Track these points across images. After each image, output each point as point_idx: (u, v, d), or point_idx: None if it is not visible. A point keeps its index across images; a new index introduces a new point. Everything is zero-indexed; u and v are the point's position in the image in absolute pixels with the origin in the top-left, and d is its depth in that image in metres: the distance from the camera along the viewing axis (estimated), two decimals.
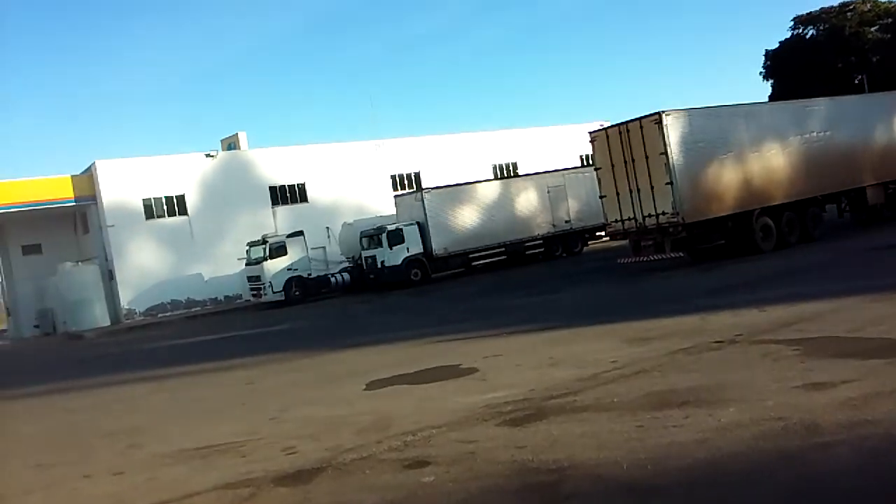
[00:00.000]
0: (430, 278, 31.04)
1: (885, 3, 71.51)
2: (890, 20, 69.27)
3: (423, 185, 38.12)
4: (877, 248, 17.43)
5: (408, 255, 30.77)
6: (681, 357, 8.85)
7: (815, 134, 22.34)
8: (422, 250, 31.04)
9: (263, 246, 32.15)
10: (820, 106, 23.72)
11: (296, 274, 32.16)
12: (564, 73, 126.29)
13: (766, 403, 6.39)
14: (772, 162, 21.22)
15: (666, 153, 19.50)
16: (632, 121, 20.48)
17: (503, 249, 32.24)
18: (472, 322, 16.12)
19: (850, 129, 23.24)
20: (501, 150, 45.12)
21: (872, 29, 70.21)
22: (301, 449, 7.41)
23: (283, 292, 31.68)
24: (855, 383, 6.52)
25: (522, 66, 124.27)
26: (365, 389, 10.11)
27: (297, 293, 31.91)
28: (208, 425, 9.42)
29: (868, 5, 71.60)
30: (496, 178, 41.05)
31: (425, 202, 31.32)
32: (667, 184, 19.55)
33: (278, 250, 32.12)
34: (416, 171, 42.84)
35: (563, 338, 11.86)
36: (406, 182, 42.44)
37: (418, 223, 31.26)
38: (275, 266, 31.80)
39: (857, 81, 63.00)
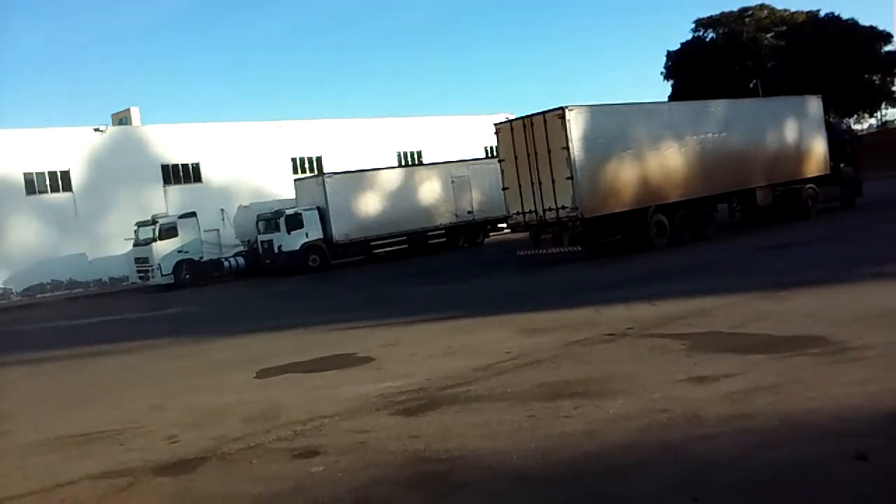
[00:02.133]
0: (330, 265, 30.60)
1: (781, 11, 75.15)
2: (785, 28, 72.89)
3: (325, 170, 37.56)
4: (763, 248, 18.24)
5: (306, 240, 30.22)
6: (574, 349, 8.96)
7: (710, 135, 23.09)
8: (321, 236, 30.53)
9: (153, 226, 30.90)
10: (717, 108, 24.55)
11: (186, 257, 31.06)
12: (471, 63, 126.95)
13: (653, 396, 6.52)
14: (669, 161, 21.84)
15: (568, 148, 19.75)
16: (536, 114, 20.68)
17: (405, 238, 32.12)
18: (371, 310, 15.93)
19: (743, 131, 24.13)
20: (406, 137, 44.96)
21: (769, 35, 73.72)
22: (184, 438, 7.09)
23: (172, 275, 30.54)
24: (737, 377, 6.74)
25: (430, 54, 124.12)
26: (255, 377, 9.80)
27: (187, 277, 30.84)
28: (85, 412, 8.94)
29: (765, 12, 75.10)
30: (400, 165, 40.88)
31: (327, 187, 30.80)
32: (567, 178, 19.84)
33: (168, 231, 30.92)
34: (319, 155, 42.14)
35: (462, 327, 11.85)
36: (307, 166, 41.71)
37: (319, 208, 30.72)
38: (164, 248, 30.61)
39: (752, 85, 65.93)
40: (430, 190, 33.32)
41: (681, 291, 12.57)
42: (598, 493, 4.74)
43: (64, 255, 34.55)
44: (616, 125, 21.12)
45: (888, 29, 70.63)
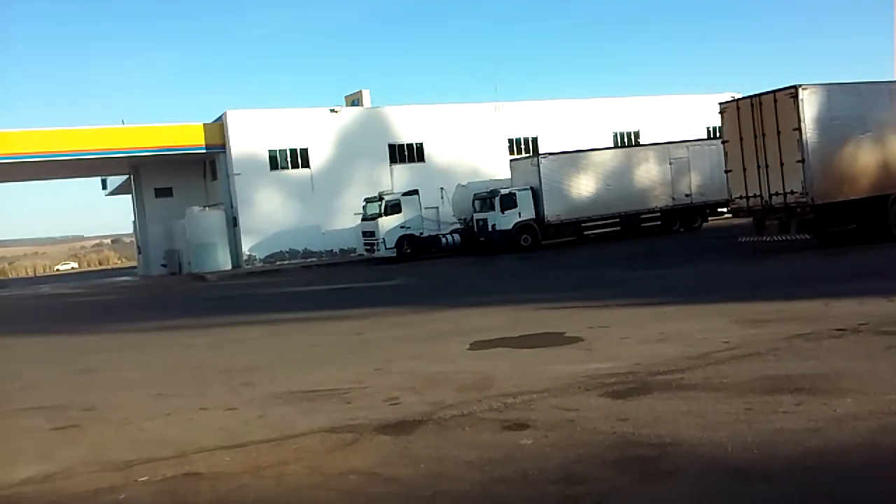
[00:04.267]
0: (540, 245, 30.87)
1: None
2: None
3: (541, 151, 37.77)
4: None
5: (519, 219, 30.67)
6: (798, 342, 8.47)
7: None
8: (534, 216, 30.85)
9: (379, 203, 32.77)
10: None
11: (408, 232, 32.66)
12: (695, 40, 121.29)
13: (888, 397, 6.05)
14: None
15: (800, 129, 18.56)
16: (765, 93, 19.51)
17: (618, 220, 31.63)
18: (580, 291, 15.97)
19: None
20: (623, 118, 44.00)
21: None
22: (404, 401, 7.59)
23: (394, 249, 32.28)
24: None
25: (650, 34, 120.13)
26: (469, 349, 10.23)
27: (408, 251, 32.44)
28: (317, 371, 9.79)
29: None
30: (616, 146, 40.15)
31: (541, 167, 31.03)
32: (798, 161, 18.62)
33: (393, 208, 32.67)
34: (534, 135, 42.43)
35: (675, 314, 11.58)
36: (523, 146, 42.14)
37: (532, 188, 31.05)
38: (389, 223, 32.39)
39: None
40: (645, 171, 32.49)
41: None
42: (818, 494, 4.52)
43: (301, 226, 37.70)
44: (854, 106, 19.47)
45: None
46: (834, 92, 19.44)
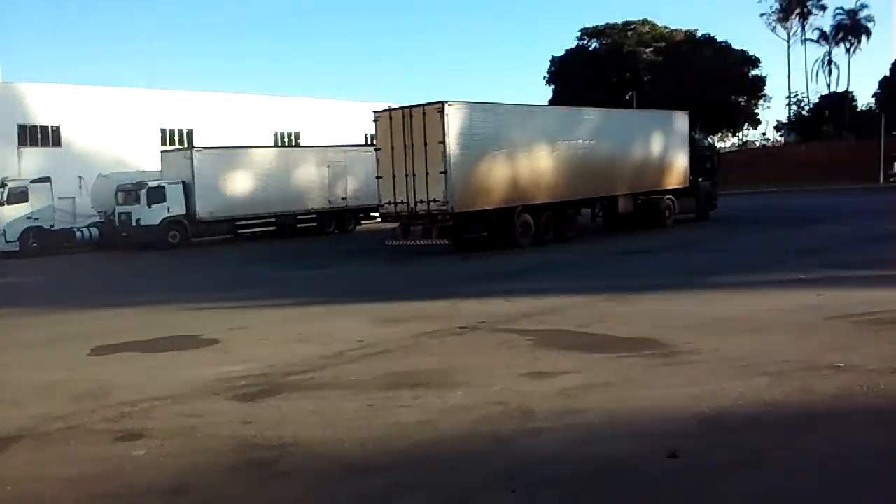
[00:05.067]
0: (190, 242, 29.40)
1: (661, 28, 78.66)
2: (664, 44, 76.32)
3: (196, 144, 36.11)
4: (618, 253, 19.00)
5: (168, 215, 28.83)
6: (424, 340, 9.00)
7: (581, 141, 23.76)
8: (184, 212, 29.18)
9: (2, 190, 28.72)
10: (590, 115, 25.37)
11: (36, 224, 29.02)
12: (357, 48, 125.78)
13: (493, 389, 6.63)
14: (539, 163, 22.32)
15: (444, 142, 19.81)
16: (416, 106, 20.63)
17: (274, 220, 31.30)
18: (224, 292, 15.41)
19: (612, 140, 24.96)
20: (285, 117, 43.93)
21: (648, 50, 77.02)
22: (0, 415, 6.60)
23: (17, 242, 28.48)
24: (573, 374, 6.95)
25: (313, 35, 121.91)
26: (90, 354, 9.27)
27: (34, 245, 28.80)
28: None
29: (647, 28, 78.46)
30: (276, 145, 39.90)
31: (195, 161, 29.50)
32: (441, 172, 19.91)
33: (18, 196, 28.79)
34: (190, 127, 40.51)
35: (318, 314, 11.68)
36: (177, 138, 40.00)
37: (184, 182, 29.38)
38: (12, 213, 28.49)
39: (628, 97, 68.78)
40: (304, 173, 32.59)
41: (537, 289, 12.89)
42: (420, 483, 4.75)
43: None
44: (493, 124, 21.40)
45: (756, 54, 75.30)
46: (476, 110, 21.16)
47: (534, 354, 7.95)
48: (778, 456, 4.73)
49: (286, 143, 42.44)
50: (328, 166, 33.17)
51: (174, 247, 28.49)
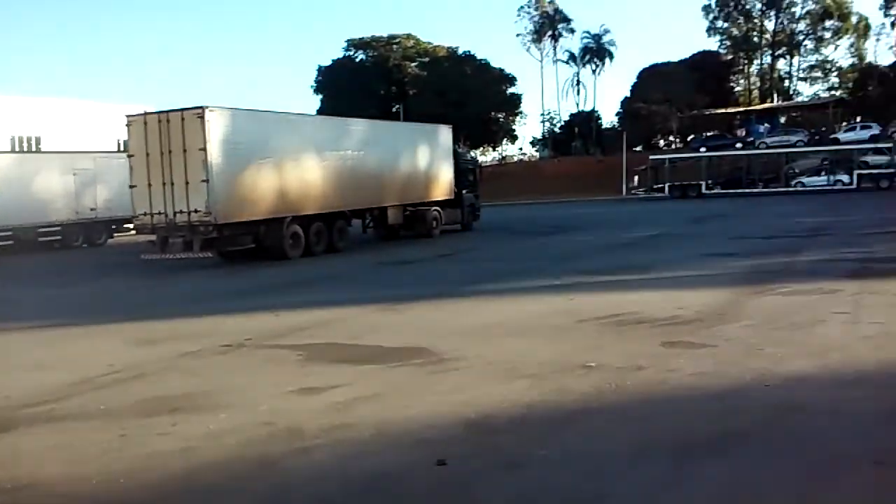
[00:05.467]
0: None
1: (425, 43, 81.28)
2: (427, 59, 78.91)
3: None
4: (388, 264, 19.24)
5: None
6: (185, 361, 8.45)
7: (350, 152, 23.79)
8: None
9: None
10: (358, 127, 25.47)
11: None
12: (109, 47, 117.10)
13: (259, 408, 6.35)
14: (308, 173, 22.02)
15: (205, 149, 18.87)
16: (173, 111, 19.50)
17: (10, 233, 28.13)
18: None
19: (380, 152, 25.25)
20: (23, 120, 39.69)
21: (413, 65, 79.20)
22: None
23: None
24: (344, 388, 6.84)
25: (57, 25, 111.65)
26: None
27: None
28: None
29: (411, 42, 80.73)
30: (13, 151, 35.95)
31: None
32: (202, 181, 18.97)
33: None
34: None
35: (63, 337, 10.59)
36: None
37: None
38: None
39: (394, 110, 70.23)
40: (46, 182, 29.55)
41: (307, 302, 12.67)
42: None
43: None
44: (258, 132, 20.79)
45: (513, 73, 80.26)
46: (240, 116, 20.42)
47: (303, 370, 7.74)
48: (538, 455, 4.95)
49: (25, 149, 38.36)
50: (74, 174, 30.39)
51: None
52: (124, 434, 5.84)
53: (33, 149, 38.52)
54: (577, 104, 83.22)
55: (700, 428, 5.26)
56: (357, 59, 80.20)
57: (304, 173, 21.89)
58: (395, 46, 79.27)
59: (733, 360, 6.87)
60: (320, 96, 79.49)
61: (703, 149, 56.22)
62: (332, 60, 79.82)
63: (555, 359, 7.35)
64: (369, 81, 75.62)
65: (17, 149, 37.67)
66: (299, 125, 23.19)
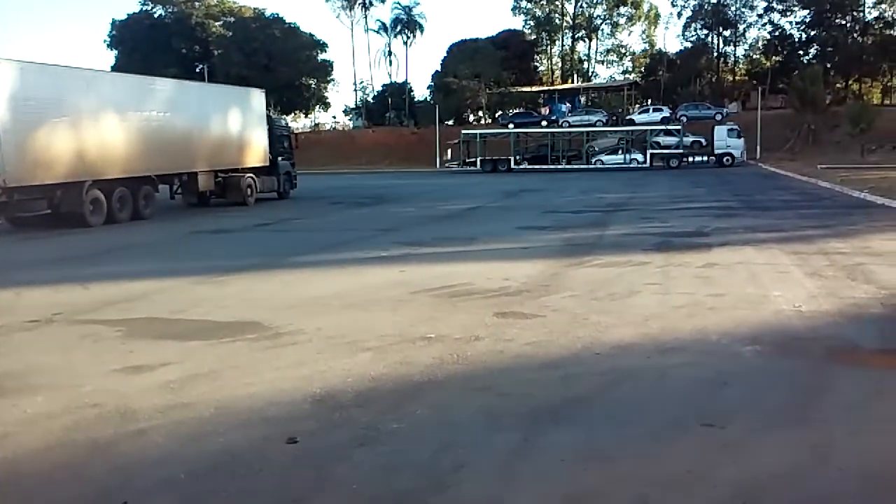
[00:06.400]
0: None
1: (230, 2, 77.71)
2: (233, 19, 75.51)
3: None
4: (203, 232, 18.38)
5: None
6: None
7: (155, 113, 22.47)
8: None
9: None
10: (163, 86, 24.04)
11: None
12: None
13: (83, 389, 5.88)
14: (108, 134, 20.58)
15: None
16: None
17: None
18: None
19: (188, 114, 24.08)
20: None
21: (217, 24, 75.46)
22: None
23: None
24: (175, 365, 6.48)
25: None
26: None
27: None
28: None
29: (215, 0, 76.80)
30: None
31: None
32: None
33: None
34: None
35: None
36: None
37: None
38: None
39: (198, 70, 66.81)
40: None
41: (118, 274, 11.87)
42: None
43: None
44: (53, 88, 19.09)
45: (324, 39, 78.81)
46: (30, 71, 18.64)
47: (126, 347, 7.23)
48: (390, 429, 4.95)
49: None
50: None
51: None
52: None
53: None
54: (390, 75, 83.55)
55: (543, 396, 5.50)
56: (156, 15, 75.38)
57: (104, 134, 20.45)
58: (197, 3, 75.25)
59: (563, 330, 7.23)
60: (115, 52, 74.16)
61: (511, 125, 58.53)
62: (128, 15, 74.62)
63: (394, 331, 7.38)
64: (169, 38, 71.49)
65: None
66: (98, 82, 21.51)
